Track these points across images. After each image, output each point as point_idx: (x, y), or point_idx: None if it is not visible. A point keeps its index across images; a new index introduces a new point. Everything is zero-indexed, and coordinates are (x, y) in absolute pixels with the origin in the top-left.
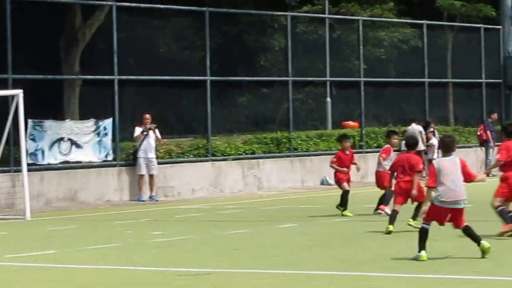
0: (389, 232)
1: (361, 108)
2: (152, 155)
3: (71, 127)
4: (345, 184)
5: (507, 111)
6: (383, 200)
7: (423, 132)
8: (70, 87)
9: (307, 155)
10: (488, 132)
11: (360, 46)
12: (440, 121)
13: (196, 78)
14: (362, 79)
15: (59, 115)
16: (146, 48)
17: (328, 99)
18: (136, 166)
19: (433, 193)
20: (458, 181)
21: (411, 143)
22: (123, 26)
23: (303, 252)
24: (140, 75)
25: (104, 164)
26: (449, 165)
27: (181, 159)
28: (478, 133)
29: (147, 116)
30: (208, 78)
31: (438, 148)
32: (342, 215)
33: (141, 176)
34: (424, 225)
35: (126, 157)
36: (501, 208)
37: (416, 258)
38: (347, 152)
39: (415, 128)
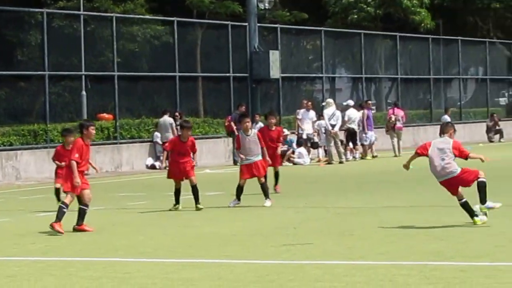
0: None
1: (115, 101)
2: None
3: None
4: None
5: (253, 103)
6: None
7: (174, 124)
8: None
9: None
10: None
11: (114, 41)
12: (191, 113)
13: None
14: (116, 73)
15: None
16: None
17: (84, 93)
18: None
19: None
20: None
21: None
22: None
23: (60, 239)
24: None
25: None
26: None
27: None
28: (226, 124)
29: None
30: None
31: None
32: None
33: None
34: None
35: None
36: None
37: None
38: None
39: (167, 120)
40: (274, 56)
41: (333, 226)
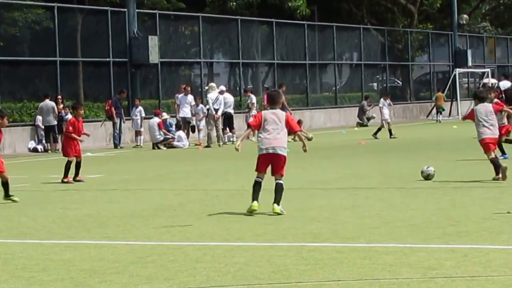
0: None
1: None
2: None
3: None
4: None
5: (133, 88)
6: None
7: (56, 108)
8: None
9: None
10: (113, 108)
11: None
12: (71, 97)
13: None
14: None
15: None
16: None
17: None
18: None
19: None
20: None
21: None
22: None
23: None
24: None
25: None
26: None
27: None
28: (106, 108)
29: None
30: None
31: None
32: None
33: None
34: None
35: None
36: None
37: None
38: None
39: (49, 103)
40: (153, 41)
41: (212, 208)
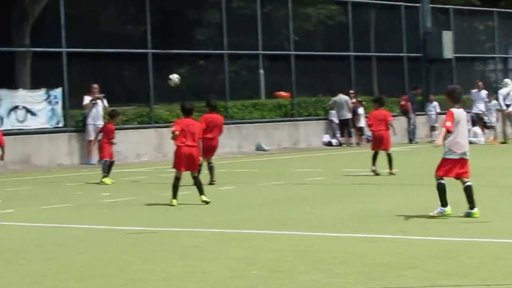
0: None
1: (292, 79)
2: (100, 122)
3: (24, 96)
4: None
5: (427, 83)
6: None
7: (349, 102)
8: (22, 58)
9: (243, 122)
10: (409, 103)
11: (290, 22)
12: (365, 92)
13: (139, 51)
14: (292, 52)
15: (12, 85)
16: (92, 22)
17: (261, 71)
18: (85, 132)
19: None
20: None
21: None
22: (70, 2)
23: (242, 212)
24: (86, 48)
25: (55, 130)
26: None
27: (126, 126)
28: (402, 103)
29: (95, 85)
30: (150, 51)
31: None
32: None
33: (90, 141)
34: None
35: (75, 124)
36: None
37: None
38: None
39: (342, 98)
40: (447, 37)
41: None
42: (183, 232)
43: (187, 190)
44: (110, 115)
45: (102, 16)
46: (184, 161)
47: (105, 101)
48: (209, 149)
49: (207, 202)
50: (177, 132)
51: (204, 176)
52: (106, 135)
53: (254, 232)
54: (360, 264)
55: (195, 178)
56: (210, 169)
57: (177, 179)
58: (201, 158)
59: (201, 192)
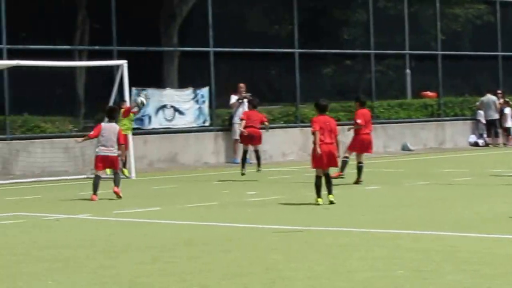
0: None
1: (438, 79)
2: None
3: (171, 95)
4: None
5: None
6: None
7: (497, 102)
8: (169, 58)
9: (389, 122)
10: None
11: (438, 22)
12: None
13: (285, 50)
14: (439, 52)
15: (160, 84)
16: (238, 22)
17: (408, 71)
18: (232, 131)
19: None
20: None
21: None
22: (218, 2)
23: (388, 212)
24: (233, 47)
25: (201, 129)
26: None
27: (272, 125)
28: None
29: (242, 85)
30: (296, 50)
31: None
32: None
33: (236, 140)
34: None
35: (221, 123)
36: None
37: None
38: None
39: (490, 98)
40: None
41: None
42: (329, 231)
43: (335, 189)
44: (252, 104)
45: (249, 15)
46: (324, 159)
47: None
48: (368, 144)
49: (332, 203)
50: (317, 132)
51: (348, 175)
52: None
53: (400, 232)
54: (507, 265)
55: (327, 176)
56: (359, 169)
57: (318, 177)
58: (347, 154)
59: (329, 191)
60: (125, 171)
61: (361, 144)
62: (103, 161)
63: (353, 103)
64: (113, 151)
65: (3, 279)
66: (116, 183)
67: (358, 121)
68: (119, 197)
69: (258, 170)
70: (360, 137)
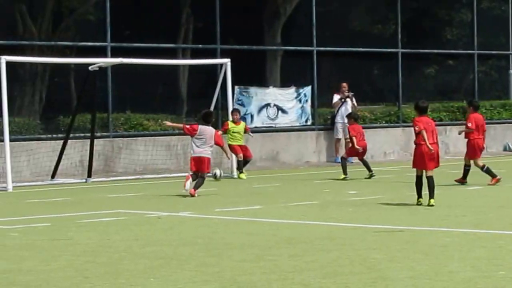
0: None
1: None
2: None
3: (274, 94)
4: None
5: None
6: None
7: None
8: (272, 57)
9: (491, 123)
10: None
11: None
12: None
13: (388, 50)
14: None
15: (262, 83)
16: (341, 21)
17: (511, 71)
18: (334, 130)
19: None
20: None
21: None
22: (321, 1)
23: (489, 212)
24: (335, 47)
25: (303, 128)
26: None
27: (374, 125)
28: None
29: (344, 84)
30: (400, 50)
31: None
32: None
33: (338, 139)
34: None
35: (323, 122)
36: None
37: None
38: None
39: None
40: None
41: None
42: (430, 231)
43: (437, 190)
44: (353, 118)
45: (352, 14)
46: (425, 160)
47: (354, 100)
48: (480, 149)
49: (431, 205)
50: (423, 131)
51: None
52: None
53: (501, 233)
54: None
55: (429, 178)
56: (466, 171)
57: (418, 178)
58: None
59: (431, 195)
60: (242, 175)
61: (472, 149)
62: (196, 162)
63: (455, 103)
64: (208, 153)
65: (104, 276)
66: (196, 186)
67: (469, 124)
68: (192, 196)
69: (372, 175)
70: (471, 142)
